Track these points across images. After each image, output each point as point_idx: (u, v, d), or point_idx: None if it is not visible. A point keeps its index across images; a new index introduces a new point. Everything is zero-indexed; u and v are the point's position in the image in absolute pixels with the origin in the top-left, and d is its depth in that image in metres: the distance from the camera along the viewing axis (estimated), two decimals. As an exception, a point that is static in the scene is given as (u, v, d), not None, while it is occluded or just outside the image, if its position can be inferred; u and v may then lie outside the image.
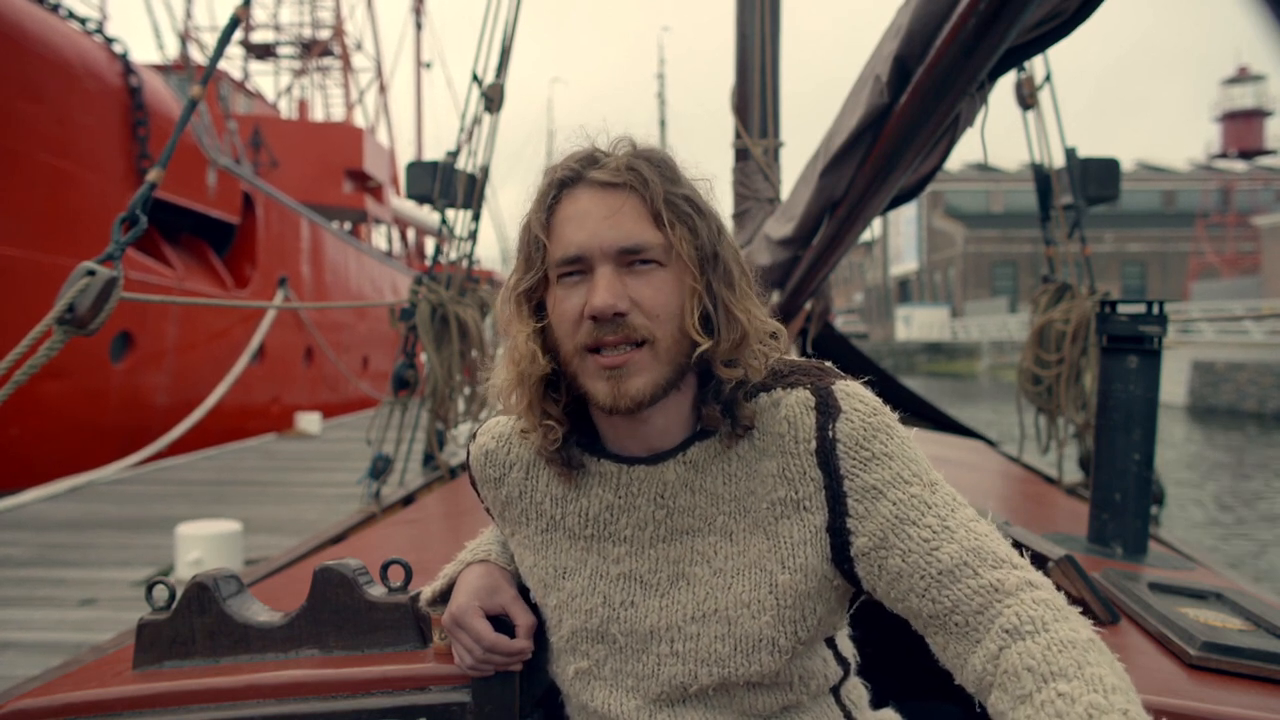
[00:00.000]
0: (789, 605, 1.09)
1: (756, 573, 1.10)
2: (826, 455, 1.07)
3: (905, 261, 61.21)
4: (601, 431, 1.16)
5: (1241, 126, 53.07)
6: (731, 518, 1.11)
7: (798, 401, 1.09)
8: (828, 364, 1.16)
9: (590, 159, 1.08)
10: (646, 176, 1.05)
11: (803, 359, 1.18)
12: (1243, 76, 52.87)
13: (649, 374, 1.04)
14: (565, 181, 1.08)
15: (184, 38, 16.32)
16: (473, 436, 1.30)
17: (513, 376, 1.11)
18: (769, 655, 1.09)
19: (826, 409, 1.08)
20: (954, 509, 1.04)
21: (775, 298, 3.08)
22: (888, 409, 1.11)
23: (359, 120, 25.52)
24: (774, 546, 1.09)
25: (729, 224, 1.19)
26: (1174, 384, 22.95)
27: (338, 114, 25.49)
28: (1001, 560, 0.99)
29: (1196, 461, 15.45)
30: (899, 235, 61.54)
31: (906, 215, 58.52)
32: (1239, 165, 55.14)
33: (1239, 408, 21.40)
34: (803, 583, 1.09)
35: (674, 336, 1.05)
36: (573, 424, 1.14)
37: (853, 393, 1.10)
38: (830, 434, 1.07)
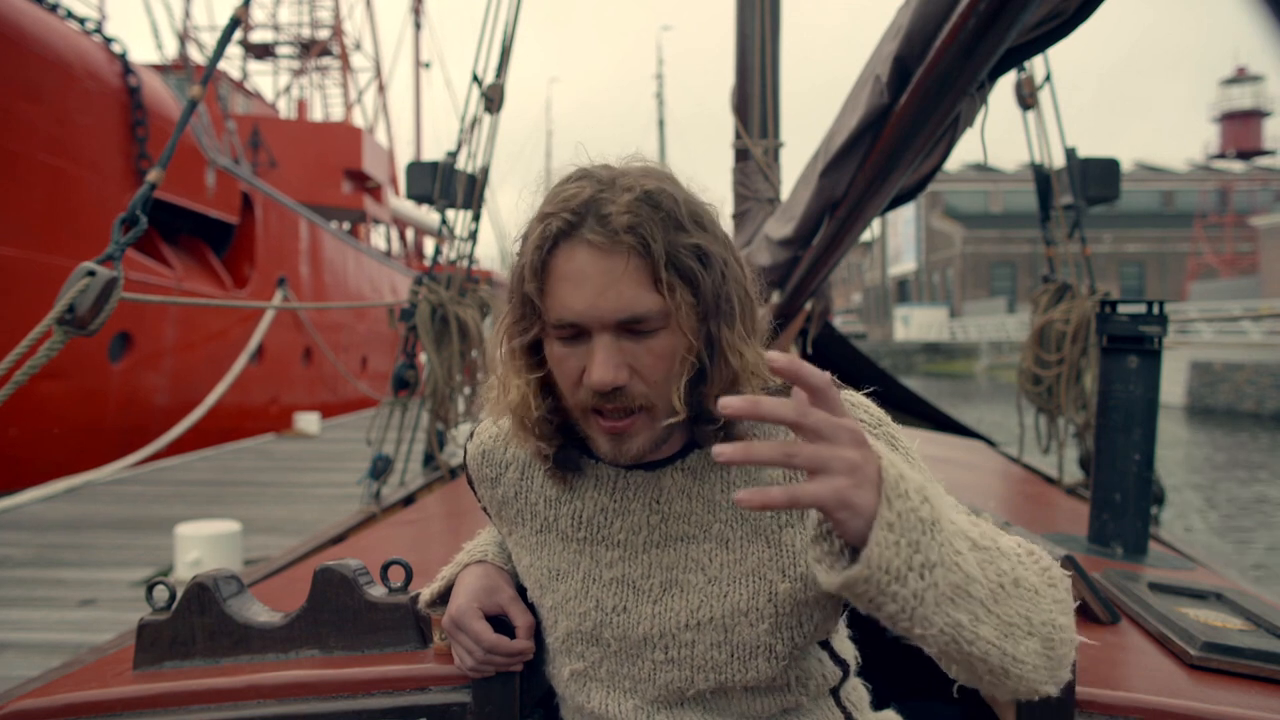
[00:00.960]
0: (787, 613, 1.09)
1: (755, 581, 1.09)
2: None
3: (904, 262, 61.25)
4: None
5: (1240, 127, 53.20)
6: (729, 525, 1.11)
7: None
8: (828, 374, 1.16)
9: (588, 206, 0.99)
10: (647, 238, 0.97)
11: None
12: (1241, 77, 52.97)
13: (648, 434, 1.04)
14: (561, 234, 1.00)
15: (183, 37, 16.32)
16: (470, 436, 1.30)
17: (513, 422, 1.11)
18: (765, 662, 1.09)
19: None
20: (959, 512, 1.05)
21: (775, 298, 3.08)
22: (890, 420, 1.11)
23: (358, 120, 25.52)
24: (776, 555, 1.09)
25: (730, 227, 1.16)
26: (1172, 384, 22.96)
27: (336, 114, 25.47)
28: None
29: (1195, 461, 15.45)
30: (897, 235, 61.60)
31: (905, 215, 58.57)
32: (1237, 166, 55.21)
33: (1237, 408, 21.41)
34: (802, 591, 1.08)
35: (670, 398, 1.03)
36: (568, 434, 1.13)
37: (858, 404, 1.10)
38: None
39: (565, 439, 1.12)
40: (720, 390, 1.03)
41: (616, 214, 0.97)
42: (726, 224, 1.12)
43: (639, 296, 0.98)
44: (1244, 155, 53.75)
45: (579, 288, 0.98)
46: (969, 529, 0.87)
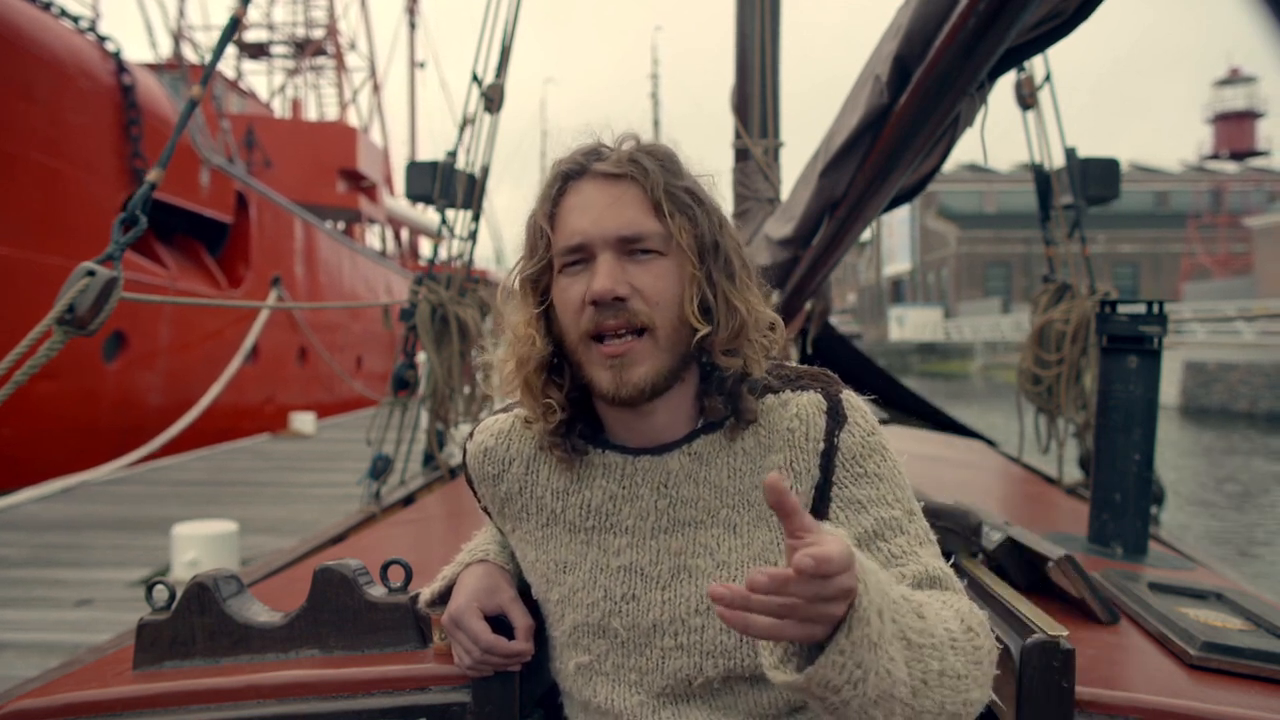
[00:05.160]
0: None
1: (762, 564, 1.11)
2: (828, 460, 1.11)
3: (899, 262, 61.33)
4: (606, 424, 1.18)
5: (1233, 127, 53.31)
6: (735, 511, 1.13)
7: (810, 402, 1.13)
8: (830, 371, 1.20)
9: (595, 152, 1.11)
10: (648, 167, 1.08)
11: (807, 366, 1.21)
12: (1234, 78, 53.08)
13: (650, 362, 1.07)
14: (570, 174, 1.11)
15: (177, 36, 16.26)
16: (470, 435, 1.30)
17: (512, 361, 1.14)
18: (775, 646, 1.10)
19: (836, 416, 1.12)
20: (924, 541, 1.11)
21: (775, 298, 3.07)
22: (883, 430, 1.16)
23: (353, 120, 25.48)
24: (777, 539, 1.12)
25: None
26: (1166, 384, 22.79)
27: (331, 113, 25.44)
28: (956, 592, 1.07)
29: (1192, 461, 15.49)
30: (892, 236, 61.66)
31: (900, 216, 58.58)
32: (1231, 166, 55.35)
33: (1231, 408, 21.47)
34: None
35: (673, 324, 1.08)
36: (577, 414, 1.16)
37: (857, 406, 1.15)
38: (835, 441, 1.11)
39: (571, 414, 1.15)
40: (727, 339, 1.09)
41: (618, 153, 1.11)
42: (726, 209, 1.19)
43: (639, 217, 1.08)
44: (1238, 156, 53.86)
45: (585, 212, 1.08)
46: (909, 626, 0.90)
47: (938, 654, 0.92)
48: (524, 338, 1.12)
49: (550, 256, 1.11)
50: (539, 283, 1.13)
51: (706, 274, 1.09)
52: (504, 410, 1.29)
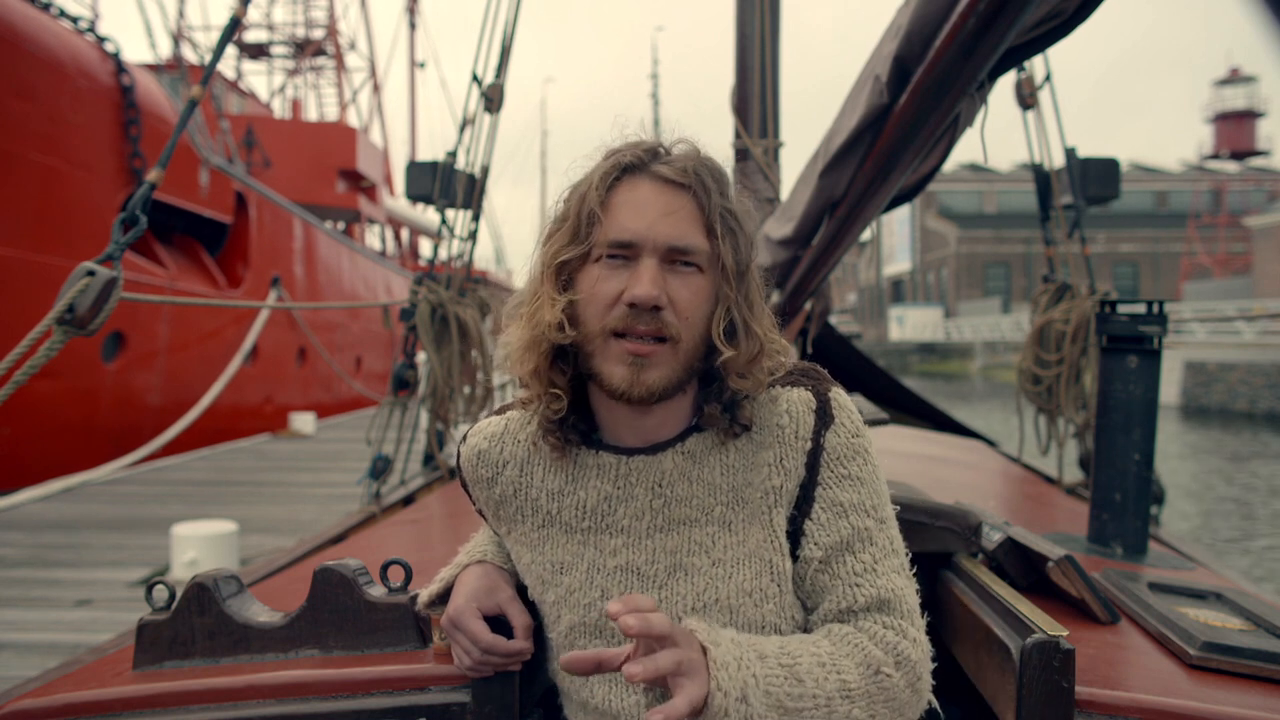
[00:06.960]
0: (790, 591, 1.13)
1: (757, 562, 1.12)
2: (814, 459, 1.13)
3: (898, 262, 61.34)
4: (601, 422, 1.18)
5: (1233, 127, 53.28)
6: (730, 508, 1.14)
7: (800, 399, 1.15)
8: (819, 367, 1.21)
9: (654, 152, 1.12)
10: (708, 185, 1.09)
11: (797, 361, 1.23)
12: (1235, 78, 53.06)
13: (667, 369, 1.08)
14: (630, 167, 1.11)
15: (177, 37, 16.26)
16: (464, 438, 1.30)
17: (528, 339, 1.13)
18: None
19: (824, 415, 1.15)
20: (888, 554, 1.13)
21: (775, 298, 3.08)
22: (868, 431, 1.18)
23: (352, 120, 25.49)
24: (771, 535, 1.13)
25: None
26: (1166, 384, 22.95)
27: (331, 114, 25.44)
28: (902, 616, 1.09)
29: (1192, 462, 15.49)
30: (892, 235, 61.68)
31: (900, 216, 58.64)
32: (1231, 166, 55.35)
33: (1230, 408, 21.50)
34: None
35: (696, 340, 1.09)
36: (571, 407, 1.16)
37: (844, 405, 1.16)
38: (820, 441, 1.13)
39: (572, 406, 1.15)
40: (745, 363, 1.10)
41: (682, 159, 1.11)
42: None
43: (691, 232, 1.09)
44: (1238, 156, 53.84)
45: (640, 212, 1.08)
46: (786, 693, 0.99)
47: (822, 711, 1.00)
48: (551, 322, 1.10)
49: (592, 244, 1.10)
50: (568, 265, 1.12)
51: (736, 299, 1.11)
52: (498, 413, 1.29)
